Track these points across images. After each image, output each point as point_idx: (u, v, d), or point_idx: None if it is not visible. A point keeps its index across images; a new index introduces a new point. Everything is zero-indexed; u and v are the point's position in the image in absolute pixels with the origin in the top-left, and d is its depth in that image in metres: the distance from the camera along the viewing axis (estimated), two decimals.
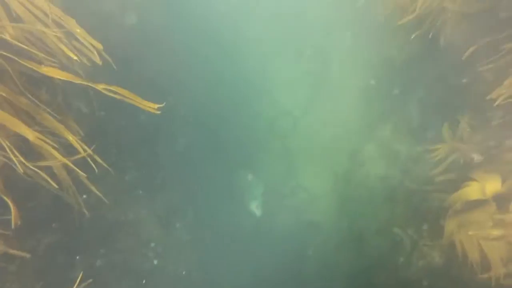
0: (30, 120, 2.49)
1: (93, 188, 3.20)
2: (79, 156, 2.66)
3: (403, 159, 5.84)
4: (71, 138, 2.53)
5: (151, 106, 2.45)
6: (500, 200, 3.36)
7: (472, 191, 3.65)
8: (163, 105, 2.51)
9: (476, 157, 3.95)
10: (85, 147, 2.63)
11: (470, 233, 3.50)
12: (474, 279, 3.71)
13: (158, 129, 5.38)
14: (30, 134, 2.27)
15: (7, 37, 2.26)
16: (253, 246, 6.44)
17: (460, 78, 5.17)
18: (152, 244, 4.50)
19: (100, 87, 2.37)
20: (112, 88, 2.36)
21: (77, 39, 2.54)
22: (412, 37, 5.27)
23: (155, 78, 5.41)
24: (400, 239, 5.07)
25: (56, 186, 2.71)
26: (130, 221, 4.28)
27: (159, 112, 2.49)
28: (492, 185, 3.50)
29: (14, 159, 2.24)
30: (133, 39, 5.09)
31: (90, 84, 2.32)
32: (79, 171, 2.72)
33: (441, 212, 4.48)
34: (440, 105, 5.64)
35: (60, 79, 2.49)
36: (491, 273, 3.44)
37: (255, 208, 7.00)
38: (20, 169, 2.33)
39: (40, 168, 2.52)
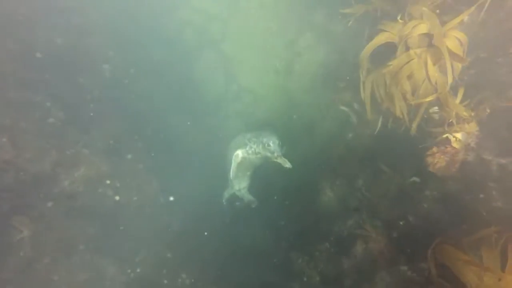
0: None
1: None
2: None
3: (340, 39, 5.74)
4: None
5: None
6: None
7: (381, 37, 3.70)
8: None
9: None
10: None
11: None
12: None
13: (74, 57, 4.49)
14: None
15: None
16: (207, 157, 6.39)
17: None
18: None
19: None
20: None
21: None
22: None
23: None
24: (347, 116, 5.31)
25: None
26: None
27: None
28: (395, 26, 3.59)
29: None
30: None
31: None
32: None
33: None
34: None
35: None
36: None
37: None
38: None
39: None
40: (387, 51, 3.93)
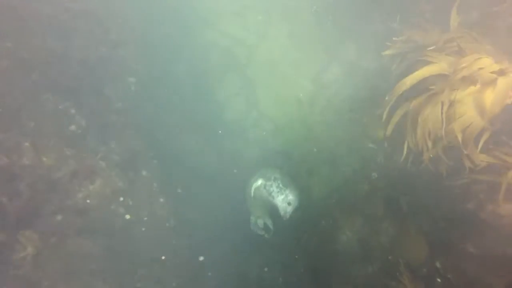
0: None
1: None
2: None
3: (370, 75, 5.63)
4: None
5: None
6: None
7: (432, 68, 3.48)
8: None
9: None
10: None
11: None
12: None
13: (104, 68, 4.37)
14: None
15: None
16: (222, 182, 6.14)
17: None
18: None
19: None
20: None
21: None
22: None
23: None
24: (373, 154, 5.07)
25: None
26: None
27: None
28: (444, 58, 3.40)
29: None
30: None
31: None
32: None
33: None
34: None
35: None
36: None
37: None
38: None
39: None
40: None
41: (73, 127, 3.61)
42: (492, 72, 3.00)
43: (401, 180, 4.75)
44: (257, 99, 6.82)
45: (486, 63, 3.08)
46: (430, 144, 3.50)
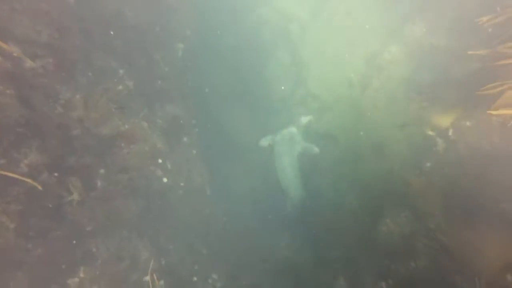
0: None
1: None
2: None
3: (438, 55, 5.03)
4: None
5: None
6: None
7: None
8: None
9: None
10: None
11: None
12: None
13: (155, 35, 4.38)
14: None
15: None
16: (261, 158, 6.00)
17: None
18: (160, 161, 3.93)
19: None
20: None
21: None
22: None
23: None
24: (430, 142, 4.57)
25: None
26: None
27: None
28: None
29: None
30: None
31: None
32: None
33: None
34: None
35: None
36: None
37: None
38: None
39: None
40: None
41: (120, 87, 3.68)
42: None
43: (467, 174, 4.23)
44: (306, 77, 6.49)
45: None
46: None
